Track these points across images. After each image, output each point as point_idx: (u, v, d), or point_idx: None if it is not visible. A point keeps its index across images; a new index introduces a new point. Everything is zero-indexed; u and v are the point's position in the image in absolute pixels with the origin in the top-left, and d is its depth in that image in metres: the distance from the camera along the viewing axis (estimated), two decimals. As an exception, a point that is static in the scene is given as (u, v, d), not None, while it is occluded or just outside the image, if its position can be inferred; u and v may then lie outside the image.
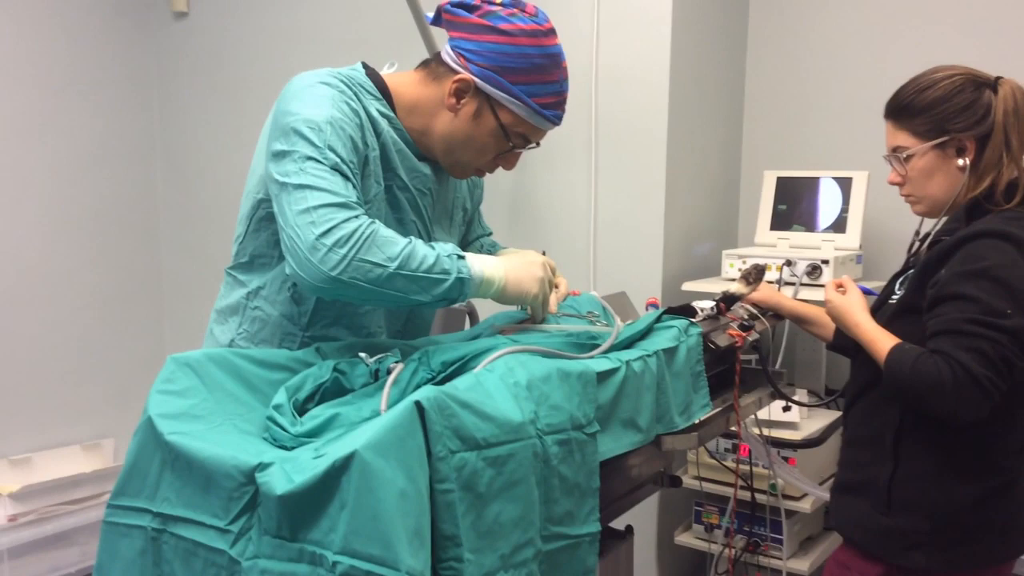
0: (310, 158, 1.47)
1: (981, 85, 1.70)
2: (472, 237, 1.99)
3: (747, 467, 2.45)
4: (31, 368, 3.48)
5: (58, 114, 3.54)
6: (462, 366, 1.44)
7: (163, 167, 3.92)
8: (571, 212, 2.96)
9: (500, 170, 1.75)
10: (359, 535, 1.08)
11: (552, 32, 1.62)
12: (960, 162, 1.70)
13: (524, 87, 1.59)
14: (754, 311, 1.99)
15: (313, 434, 1.29)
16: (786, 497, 2.57)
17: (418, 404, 1.12)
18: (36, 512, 3.23)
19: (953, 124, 1.69)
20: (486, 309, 2.01)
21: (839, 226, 2.81)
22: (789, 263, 2.62)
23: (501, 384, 1.29)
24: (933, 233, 1.75)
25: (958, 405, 1.55)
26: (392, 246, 1.45)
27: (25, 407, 3.46)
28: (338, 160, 1.48)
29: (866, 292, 1.83)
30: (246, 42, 3.61)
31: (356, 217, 1.44)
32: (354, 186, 1.49)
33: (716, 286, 2.64)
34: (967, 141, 1.69)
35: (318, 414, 1.32)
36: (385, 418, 1.13)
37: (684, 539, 2.82)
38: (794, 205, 2.91)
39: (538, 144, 1.71)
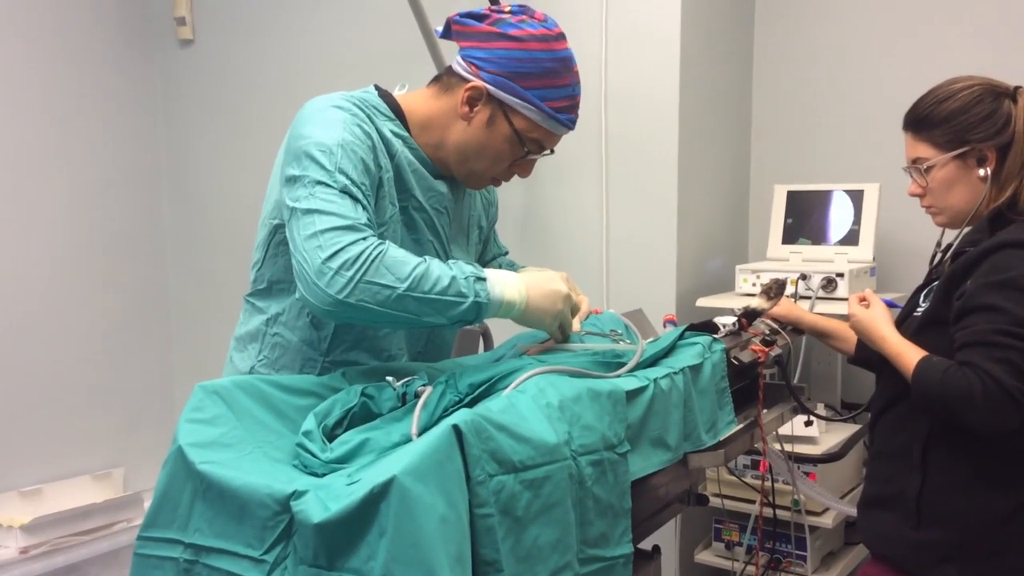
0: (320, 182, 1.47)
1: (1000, 95, 1.70)
2: (488, 257, 1.98)
3: (768, 483, 2.43)
4: (40, 399, 3.45)
5: (65, 142, 3.54)
6: (489, 388, 1.43)
7: (170, 195, 3.91)
8: (583, 230, 2.95)
9: (511, 188, 1.74)
10: (400, 562, 1.06)
11: (562, 37, 1.62)
12: (981, 172, 1.70)
13: (537, 92, 1.59)
14: (775, 326, 1.98)
15: (344, 460, 1.27)
16: (808, 513, 2.55)
17: (456, 428, 1.11)
18: (48, 544, 3.19)
19: (973, 134, 1.69)
20: (501, 332, 1.99)
21: (851, 239, 2.81)
22: (804, 277, 2.61)
23: (534, 405, 1.27)
24: (956, 244, 1.75)
25: (989, 417, 1.54)
26: (402, 267, 1.43)
27: (34, 438, 3.43)
28: (348, 183, 1.48)
29: (889, 305, 1.82)
30: (252, 69, 3.62)
31: (364, 239, 1.43)
32: (364, 208, 1.48)
33: (731, 301, 2.62)
34: (988, 151, 1.69)
35: (348, 439, 1.30)
36: (422, 443, 1.12)
37: (704, 557, 2.80)
38: (804, 218, 2.90)
39: (552, 151, 1.70)
